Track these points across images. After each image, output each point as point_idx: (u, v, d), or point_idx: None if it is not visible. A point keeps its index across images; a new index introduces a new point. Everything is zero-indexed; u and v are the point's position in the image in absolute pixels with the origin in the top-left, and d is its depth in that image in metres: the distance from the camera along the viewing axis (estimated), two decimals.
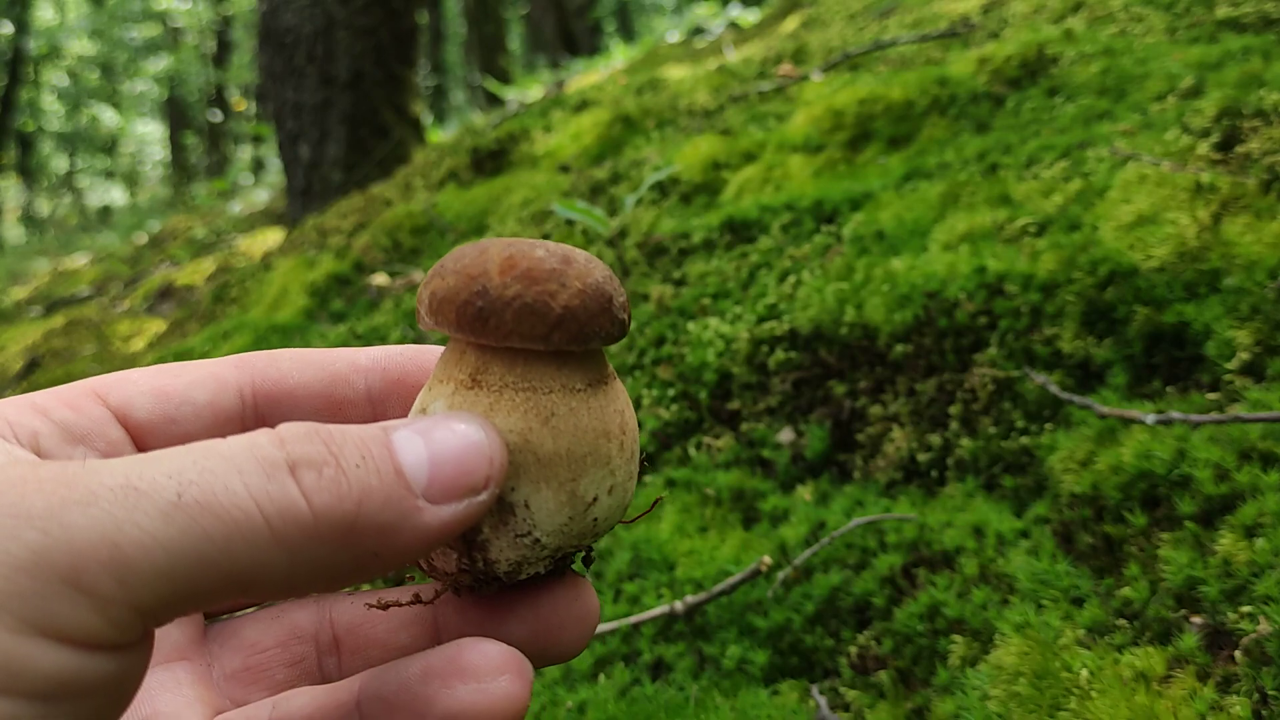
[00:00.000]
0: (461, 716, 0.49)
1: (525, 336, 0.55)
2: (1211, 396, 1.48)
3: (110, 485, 0.42)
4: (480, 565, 0.57)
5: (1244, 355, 1.50)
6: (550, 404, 0.57)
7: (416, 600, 0.59)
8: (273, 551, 0.44)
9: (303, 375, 0.65)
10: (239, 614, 0.62)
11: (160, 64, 24.51)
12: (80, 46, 24.52)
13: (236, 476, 0.44)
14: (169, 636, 0.58)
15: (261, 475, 0.45)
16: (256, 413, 0.63)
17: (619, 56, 8.42)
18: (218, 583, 0.43)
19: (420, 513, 0.49)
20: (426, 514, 0.49)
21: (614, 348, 2.26)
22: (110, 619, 0.41)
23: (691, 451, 1.96)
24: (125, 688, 0.44)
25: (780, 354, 2.00)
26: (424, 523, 0.49)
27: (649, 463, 2.00)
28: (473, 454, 0.51)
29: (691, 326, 2.19)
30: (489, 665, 0.50)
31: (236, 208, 10.08)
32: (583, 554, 0.62)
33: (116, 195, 28.38)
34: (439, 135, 7.72)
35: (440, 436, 0.51)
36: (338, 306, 3.68)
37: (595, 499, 0.58)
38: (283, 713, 0.54)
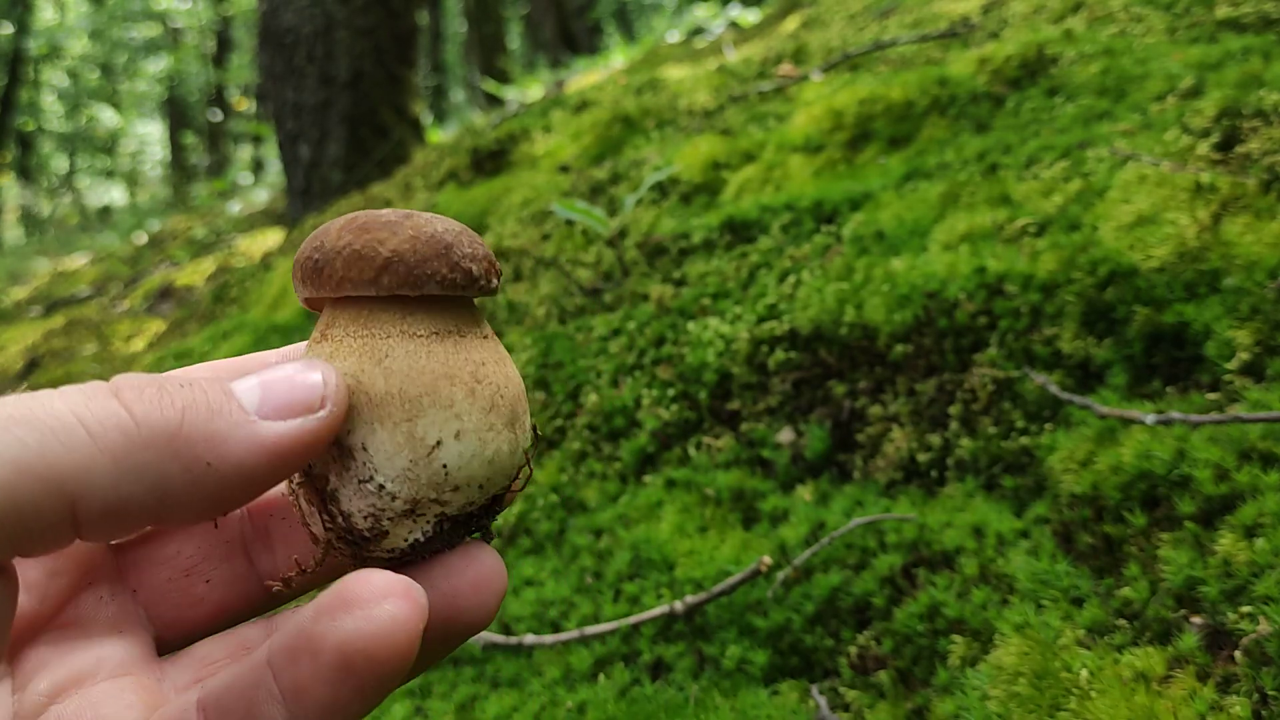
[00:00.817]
0: (349, 647, 0.48)
1: (355, 282, 0.57)
2: (1211, 396, 1.48)
3: None
4: (340, 521, 0.58)
5: (1244, 355, 1.50)
6: (385, 347, 0.58)
7: (301, 572, 0.60)
8: (95, 457, 0.46)
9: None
10: (197, 643, 0.62)
11: (160, 64, 24.52)
12: (80, 46, 24.51)
13: (57, 398, 0.47)
14: (113, 654, 0.58)
15: (81, 395, 0.47)
16: None
17: (619, 56, 8.42)
18: (40, 492, 0.44)
19: (253, 425, 0.50)
20: (260, 426, 0.50)
21: (613, 347, 2.26)
22: None
23: (691, 451, 1.96)
24: None
25: (780, 354, 2.00)
26: (257, 433, 0.50)
27: (651, 463, 2.00)
28: (303, 376, 0.53)
29: (691, 326, 2.19)
30: (372, 592, 0.49)
31: (236, 208, 10.08)
32: (478, 529, 0.62)
33: (116, 195, 28.38)
34: (439, 135, 7.72)
35: (272, 371, 0.54)
36: None
37: (439, 442, 0.58)
38: (208, 690, 0.54)
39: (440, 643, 0.57)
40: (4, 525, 0.44)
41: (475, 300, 0.64)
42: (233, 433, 0.50)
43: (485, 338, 0.62)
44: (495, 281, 0.62)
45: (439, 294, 0.59)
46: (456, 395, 0.58)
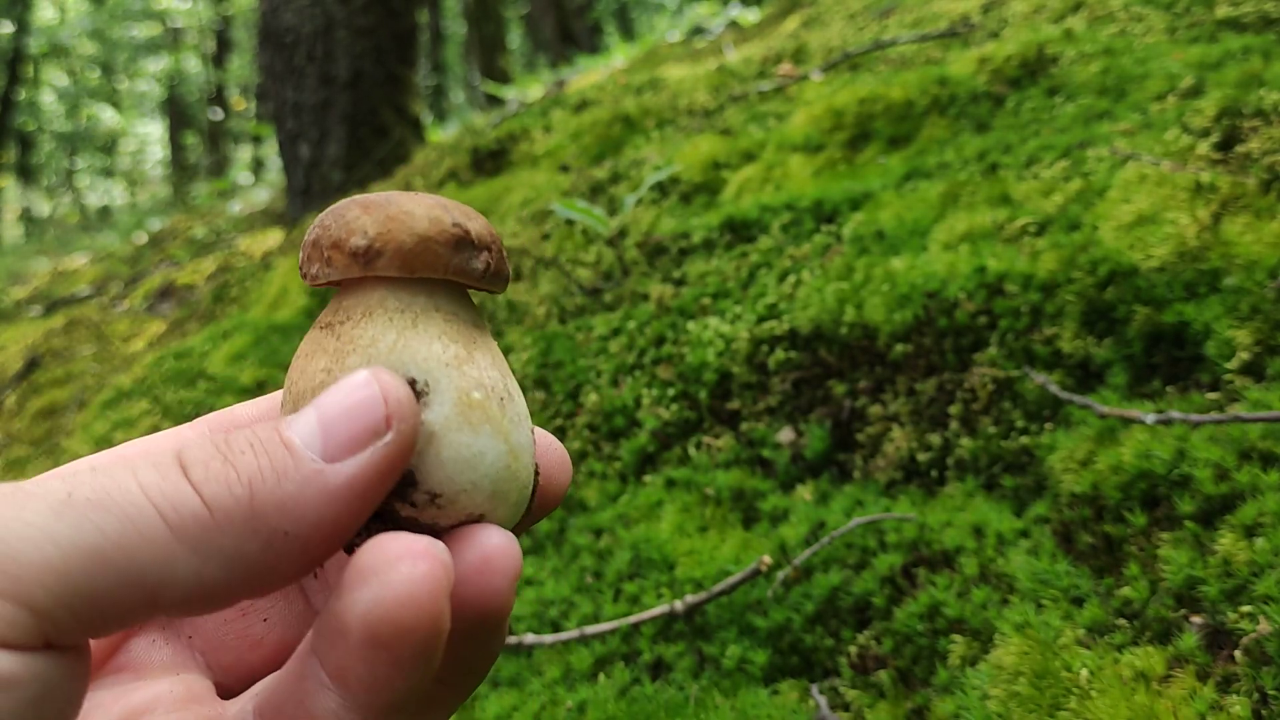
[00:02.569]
0: (372, 618, 0.45)
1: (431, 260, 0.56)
2: (1211, 396, 1.48)
3: (1, 491, 0.42)
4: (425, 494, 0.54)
5: (1244, 355, 1.50)
6: (473, 331, 0.58)
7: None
8: (174, 547, 0.44)
9: (260, 412, 0.63)
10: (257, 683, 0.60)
11: (160, 63, 24.52)
12: (80, 46, 24.52)
13: (130, 475, 0.44)
14: (171, 692, 0.56)
15: (154, 474, 0.44)
16: None
17: (619, 56, 8.42)
18: (119, 583, 0.42)
19: (320, 475, 0.47)
20: (328, 475, 0.47)
21: (613, 346, 2.26)
22: (3, 615, 0.40)
23: (691, 451, 1.96)
24: (47, 696, 0.42)
25: (780, 354, 2.00)
26: (327, 483, 0.47)
27: (651, 463, 2.00)
28: (361, 396, 0.49)
29: (691, 326, 2.19)
30: (386, 557, 0.46)
31: (236, 207, 10.08)
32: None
33: (116, 195, 28.39)
34: (439, 135, 7.72)
35: (327, 399, 0.49)
36: None
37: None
38: (261, 694, 0.52)
39: (472, 631, 0.52)
40: (80, 614, 0.42)
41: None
42: (303, 492, 0.47)
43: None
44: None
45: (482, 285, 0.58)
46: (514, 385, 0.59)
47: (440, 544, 0.48)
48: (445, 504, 0.53)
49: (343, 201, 0.58)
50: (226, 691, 0.59)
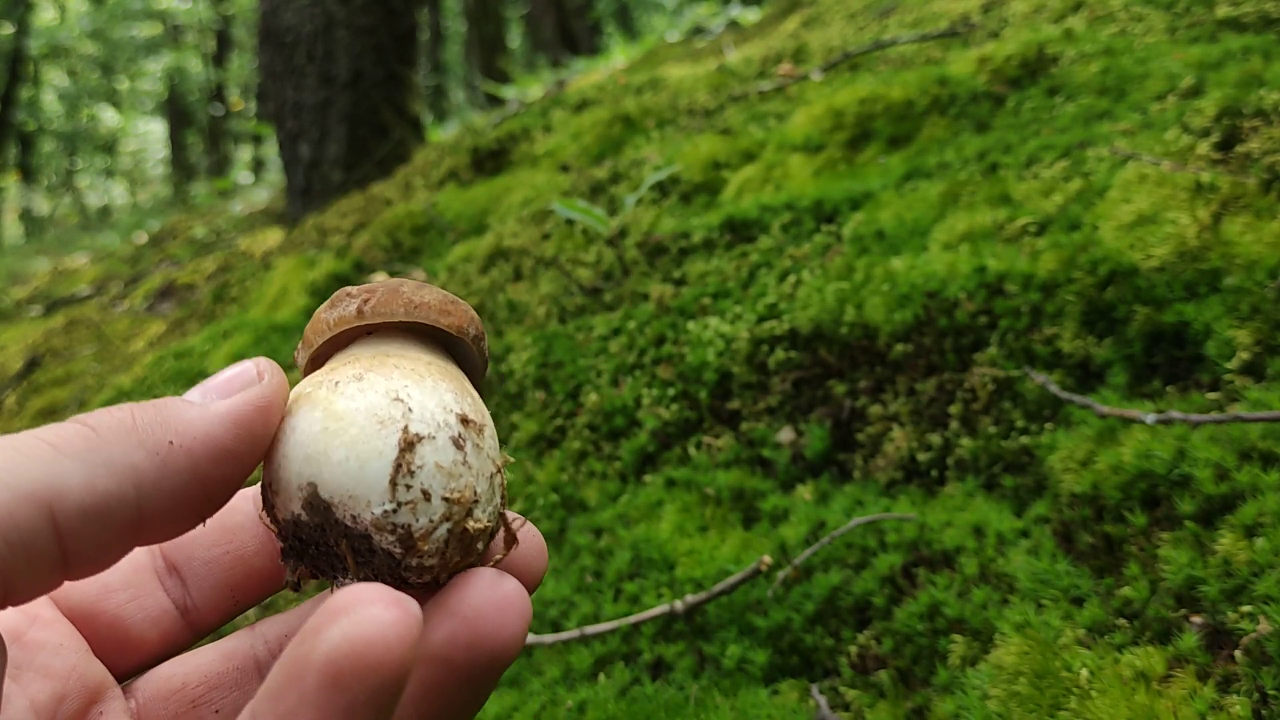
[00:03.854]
0: (337, 654, 0.45)
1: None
2: (1211, 396, 1.48)
3: None
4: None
5: (1244, 355, 1.50)
6: (460, 378, 0.65)
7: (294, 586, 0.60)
8: (60, 460, 0.48)
9: None
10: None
11: (160, 63, 24.51)
12: (81, 46, 24.51)
13: (19, 434, 0.49)
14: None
15: (42, 429, 0.50)
16: (156, 568, 0.67)
17: (619, 56, 8.42)
18: (15, 501, 0.45)
19: (202, 406, 0.54)
20: (210, 405, 0.54)
21: (613, 346, 2.26)
22: None
23: (691, 451, 1.96)
24: None
25: (780, 353, 2.00)
26: (209, 408, 0.54)
27: (651, 463, 2.00)
28: (239, 369, 0.57)
29: (691, 326, 2.19)
30: (358, 599, 0.46)
31: (237, 207, 10.08)
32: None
33: (117, 194, 28.38)
34: (439, 135, 7.72)
35: (212, 376, 0.58)
36: None
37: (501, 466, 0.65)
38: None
39: (475, 675, 0.54)
40: None
41: None
42: (185, 412, 0.53)
43: None
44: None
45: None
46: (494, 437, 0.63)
47: (408, 597, 0.48)
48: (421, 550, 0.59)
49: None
50: None
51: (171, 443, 0.51)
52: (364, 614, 0.46)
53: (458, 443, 0.57)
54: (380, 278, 3.63)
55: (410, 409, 0.57)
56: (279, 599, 1.94)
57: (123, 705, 0.61)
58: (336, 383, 0.58)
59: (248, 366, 0.57)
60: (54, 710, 0.57)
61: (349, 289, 0.64)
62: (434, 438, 0.57)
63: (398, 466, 0.55)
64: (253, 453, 0.55)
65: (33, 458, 0.47)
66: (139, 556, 0.65)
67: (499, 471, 0.60)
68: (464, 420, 0.59)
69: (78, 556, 0.48)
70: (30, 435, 0.49)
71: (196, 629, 0.65)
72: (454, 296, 0.65)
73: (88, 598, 0.62)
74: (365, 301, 0.62)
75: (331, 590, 0.59)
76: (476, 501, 0.57)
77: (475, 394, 0.63)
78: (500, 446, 0.63)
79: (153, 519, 0.51)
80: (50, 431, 0.50)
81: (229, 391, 0.56)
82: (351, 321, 0.63)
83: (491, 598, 0.55)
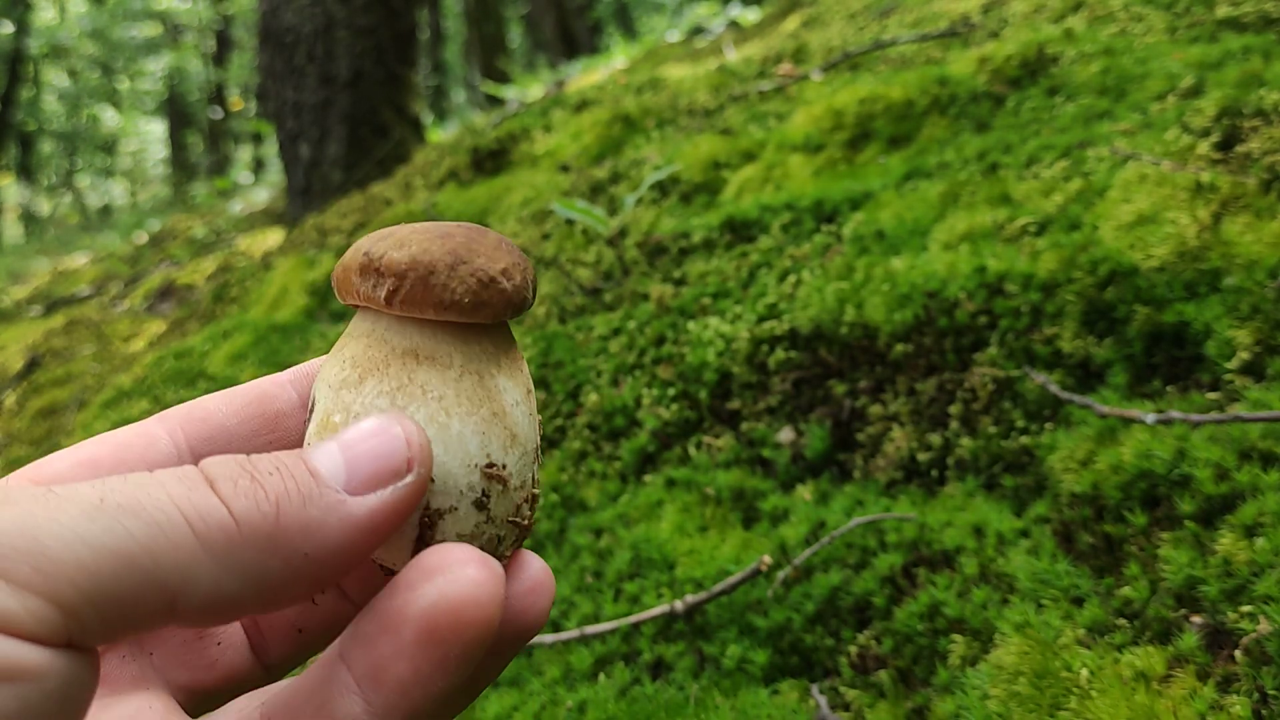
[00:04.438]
0: (435, 610, 0.47)
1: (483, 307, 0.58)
2: (1211, 396, 1.48)
3: (32, 493, 0.43)
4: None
5: (1244, 355, 1.50)
6: (487, 368, 0.59)
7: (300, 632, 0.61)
8: (198, 555, 0.45)
9: (229, 403, 0.65)
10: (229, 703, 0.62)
11: (160, 63, 24.52)
12: (81, 46, 24.51)
13: (159, 487, 0.46)
14: (143, 707, 0.57)
15: (182, 486, 0.46)
16: (194, 454, 0.63)
17: (619, 56, 8.42)
18: (143, 586, 0.44)
19: (344, 506, 0.49)
20: (350, 506, 0.50)
21: (613, 346, 2.26)
22: (30, 609, 0.41)
23: (691, 451, 1.96)
24: (64, 693, 0.43)
25: (780, 353, 2.00)
26: (350, 514, 0.49)
27: (651, 462, 2.00)
28: (387, 442, 0.52)
29: (691, 326, 2.19)
30: (454, 559, 0.49)
31: (237, 207, 10.08)
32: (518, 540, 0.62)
33: (117, 194, 28.38)
34: (439, 135, 7.72)
35: (351, 436, 0.52)
36: (338, 306, 3.68)
37: (538, 449, 0.62)
38: (271, 700, 0.53)
39: (502, 648, 0.57)
40: (104, 615, 0.43)
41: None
42: (326, 519, 0.49)
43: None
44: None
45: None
46: (531, 407, 0.61)
47: (497, 562, 0.51)
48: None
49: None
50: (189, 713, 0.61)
51: (306, 555, 0.48)
52: (460, 573, 0.48)
53: (480, 504, 0.57)
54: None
55: (433, 479, 0.55)
56: None
57: (136, 645, 0.61)
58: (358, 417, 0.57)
59: (398, 443, 0.52)
60: None
61: (376, 260, 0.58)
62: (455, 509, 0.56)
63: (418, 544, 0.56)
64: (369, 552, 0.52)
65: (174, 542, 0.45)
66: None
67: (527, 502, 0.59)
68: (489, 473, 0.57)
69: (182, 625, 0.48)
70: (170, 500, 0.45)
71: (267, 668, 0.65)
72: (492, 272, 0.58)
73: None
74: (394, 291, 0.57)
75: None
76: (499, 543, 0.59)
77: (510, 383, 0.60)
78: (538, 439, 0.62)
79: (263, 609, 0.50)
80: (190, 501, 0.46)
81: (377, 481, 0.50)
82: (381, 305, 0.59)
83: (527, 580, 0.58)
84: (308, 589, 0.49)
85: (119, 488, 0.45)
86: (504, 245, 0.60)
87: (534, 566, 0.58)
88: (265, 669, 0.65)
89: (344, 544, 0.49)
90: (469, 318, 0.58)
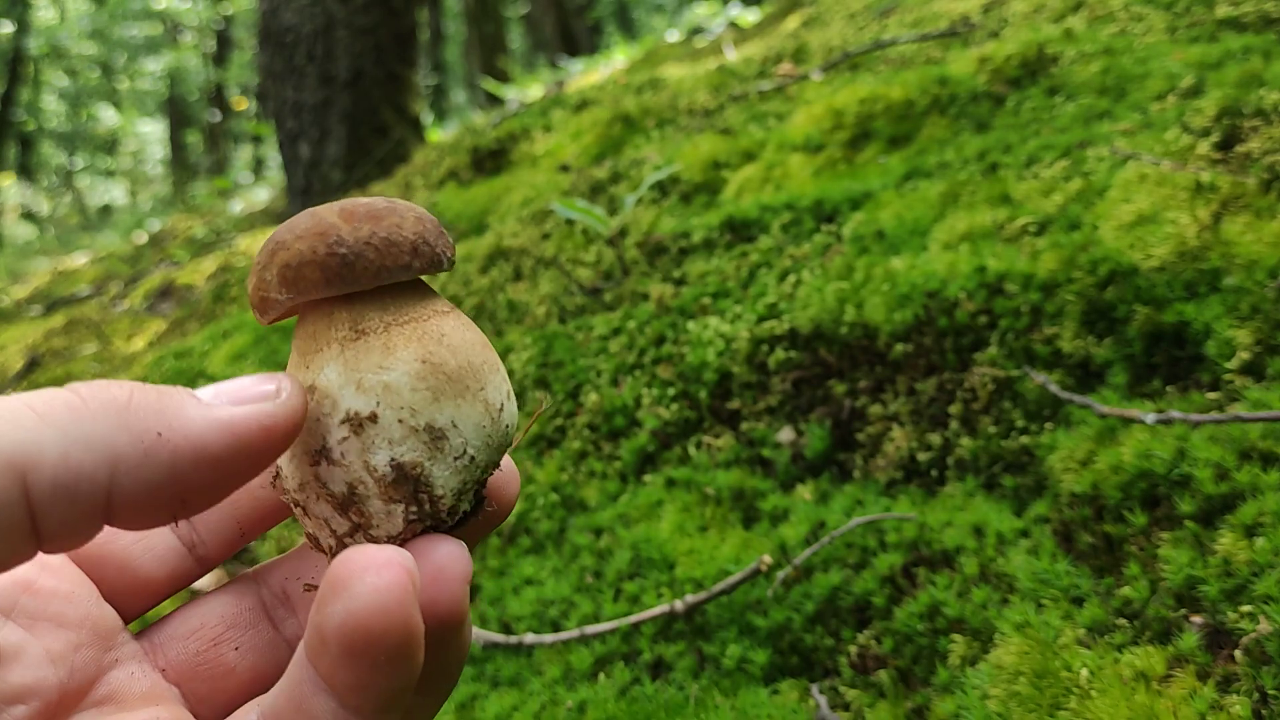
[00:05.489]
0: (344, 629, 0.47)
1: (392, 269, 0.58)
2: (1211, 396, 1.48)
3: None
4: (428, 506, 0.58)
5: (1244, 355, 1.50)
6: (435, 327, 0.59)
7: (312, 587, 0.61)
8: (41, 429, 0.46)
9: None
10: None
11: (160, 63, 24.52)
12: (80, 46, 24.51)
13: (8, 398, 0.48)
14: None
15: (32, 393, 0.49)
16: None
17: (619, 56, 8.42)
18: None
19: (208, 406, 0.52)
20: (215, 408, 0.52)
21: (613, 346, 2.26)
22: None
23: (691, 451, 1.96)
24: None
25: (780, 353, 2.00)
26: (212, 411, 0.51)
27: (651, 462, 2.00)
28: (255, 379, 0.55)
29: (691, 326, 2.19)
30: (352, 570, 0.48)
31: (237, 207, 10.07)
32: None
33: (117, 194, 28.38)
34: (439, 134, 7.72)
35: (225, 382, 0.55)
36: None
37: (502, 405, 0.61)
38: (265, 702, 0.54)
39: (438, 637, 0.55)
40: None
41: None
42: (184, 408, 0.51)
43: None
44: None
45: (429, 272, 0.60)
46: (495, 359, 0.61)
47: (405, 552, 0.50)
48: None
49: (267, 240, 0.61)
50: None
51: (160, 435, 0.49)
52: (361, 586, 0.48)
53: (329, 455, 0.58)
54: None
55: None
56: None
57: (135, 648, 0.61)
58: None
59: (268, 380, 0.55)
60: (70, 658, 0.57)
61: (259, 256, 0.60)
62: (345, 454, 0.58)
63: (341, 503, 0.59)
64: (245, 468, 0.53)
65: (14, 423, 0.46)
66: None
67: (418, 468, 0.58)
68: (354, 420, 0.57)
69: (48, 531, 0.47)
70: (18, 399, 0.48)
71: (204, 564, 0.66)
72: (375, 237, 0.58)
73: (95, 541, 0.63)
74: (278, 281, 0.58)
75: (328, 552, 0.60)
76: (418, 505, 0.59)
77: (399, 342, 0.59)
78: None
79: (122, 506, 0.49)
80: (39, 397, 0.48)
81: (241, 400, 0.53)
82: (282, 306, 0.59)
83: (432, 563, 0.56)
84: (167, 481, 0.49)
85: None
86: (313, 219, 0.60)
87: (440, 549, 0.56)
88: (201, 568, 0.66)
89: (206, 436, 0.50)
90: (312, 295, 0.59)
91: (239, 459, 0.52)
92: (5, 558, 0.47)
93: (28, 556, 0.48)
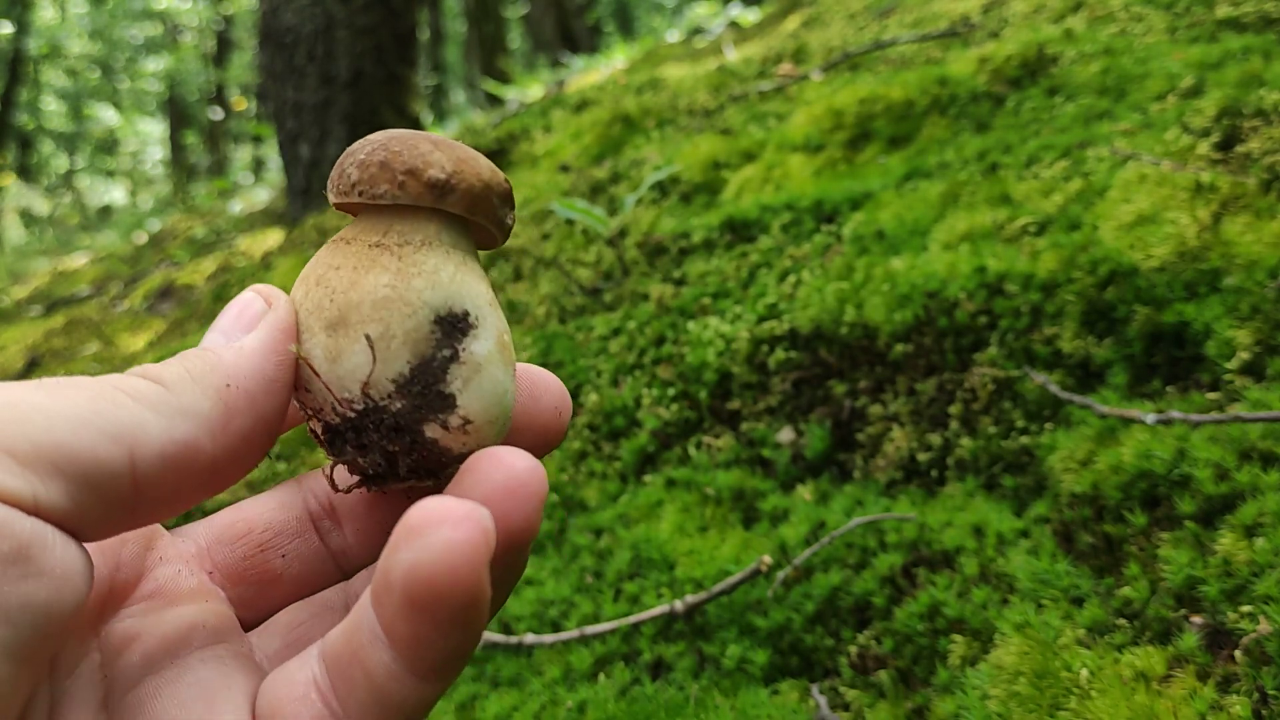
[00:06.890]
0: (411, 579, 0.46)
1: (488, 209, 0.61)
2: (1211, 396, 1.48)
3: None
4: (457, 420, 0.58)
5: (1244, 355, 1.50)
6: (460, 257, 0.61)
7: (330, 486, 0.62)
8: (141, 411, 0.50)
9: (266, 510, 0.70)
10: (278, 613, 0.63)
11: (160, 63, 24.52)
12: (81, 46, 24.51)
13: (82, 377, 0.51)
14: (202, 622, 0.59)
15: (96, 381, 0.51)
16: None
17: (619, 56, 8.42)
18: (98, 439, 0.47)
19: (233, 346, 0.57)
20: (239, 342, 0.57)
21: (613, 346, 2.26)
22: (10, 470, 0.44)
23: (691, 451, 1.96)
24: (57, 571, 0.45)
25: (780, 353, 2.00)
26: (243, 346, 0.56)
27: (651, 463, 2.00)
28: (241, 302, 0.60)
29: (691, 326, 2.19)
30: (428, 519, 0.46)
31: (237, 207, 10.07)
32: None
33: (117, 194, 28.37)
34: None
35: (218, 320, 0.60)
36: None
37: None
38: (327, 640, 0.54)
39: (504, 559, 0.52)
40: (68, 475, 0.45)
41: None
42: (223, 356, 0.55)
43: None
44: None
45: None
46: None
47: (484, 510, 0.48)
48: (472, 431, 0.56)
49: (401, 131, 0.61)
50: (246, 626, 0.62)
51: (229, 385, 0.54)
52: (434, 539, 0.46)
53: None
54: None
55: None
56: None
57: (180, 548, 0.62)
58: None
59: (251, 297, 0.59)
60: (118, 552, 0.59)
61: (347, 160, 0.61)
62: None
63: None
64: (292, 376, 0.57)
65: (115, 403, 0.49)
66: None
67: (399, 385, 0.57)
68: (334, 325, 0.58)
69: (150, 502, 0.50)
70: (104, 382, 0.50)
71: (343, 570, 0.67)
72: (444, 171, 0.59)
73: None
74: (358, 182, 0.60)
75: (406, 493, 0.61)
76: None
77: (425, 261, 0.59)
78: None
79: (225, 463, 0.53)
80: (123, 381, 0.51)
81: (248, 325, 0.58)
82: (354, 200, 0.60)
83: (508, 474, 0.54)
84: (252, 417, 0.54)
85: (52, 379, 0.49)
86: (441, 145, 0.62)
87: (518, 463, 0.52)
88: (341, 571, 0.66)
89: (256, 366, 0.55)
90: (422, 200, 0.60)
91: (287, 370, 0.57)
92: (102, 527, 0.49)
93: (122, 529, 0.51)
